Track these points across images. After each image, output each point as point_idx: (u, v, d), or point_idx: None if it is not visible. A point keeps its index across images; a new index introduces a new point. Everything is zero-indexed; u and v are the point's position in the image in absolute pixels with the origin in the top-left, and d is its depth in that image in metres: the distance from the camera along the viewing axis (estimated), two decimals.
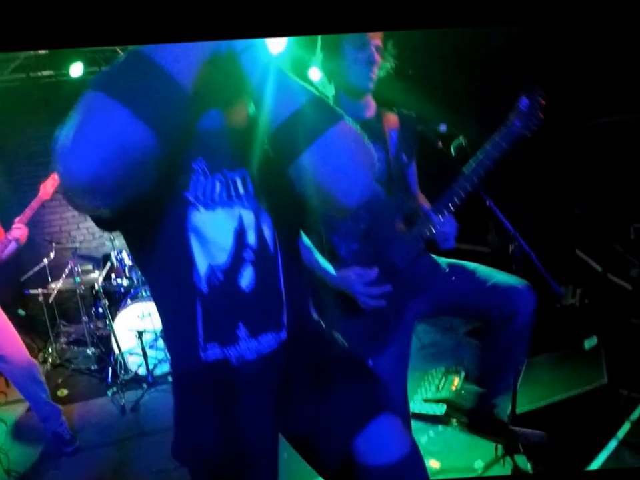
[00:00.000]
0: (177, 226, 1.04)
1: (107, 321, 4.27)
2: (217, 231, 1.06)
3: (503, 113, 1.72)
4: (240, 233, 1.08)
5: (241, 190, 1.09)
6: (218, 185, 1.06)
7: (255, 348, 1.11)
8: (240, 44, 0.92)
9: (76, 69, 4.82)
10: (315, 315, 1.28)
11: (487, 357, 1.94)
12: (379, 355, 1.79)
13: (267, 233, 1.11)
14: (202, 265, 1.06)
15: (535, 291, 1.78)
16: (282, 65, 0.96)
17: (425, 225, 1.80)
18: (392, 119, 1.91)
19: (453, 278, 1.86)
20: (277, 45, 1.05)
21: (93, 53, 4.98)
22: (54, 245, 4.69)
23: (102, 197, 0.83)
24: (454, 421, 2.81)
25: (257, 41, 0.92)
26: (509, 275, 1.86)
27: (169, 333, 1.18)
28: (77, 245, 4.90)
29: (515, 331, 1.78)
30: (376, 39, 1.76)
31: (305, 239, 1.82)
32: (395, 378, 1.85)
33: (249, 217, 1.09)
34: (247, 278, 1.09)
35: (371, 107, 1.88)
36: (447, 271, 1.88)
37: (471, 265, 1.92)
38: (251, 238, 1.09)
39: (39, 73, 5.21)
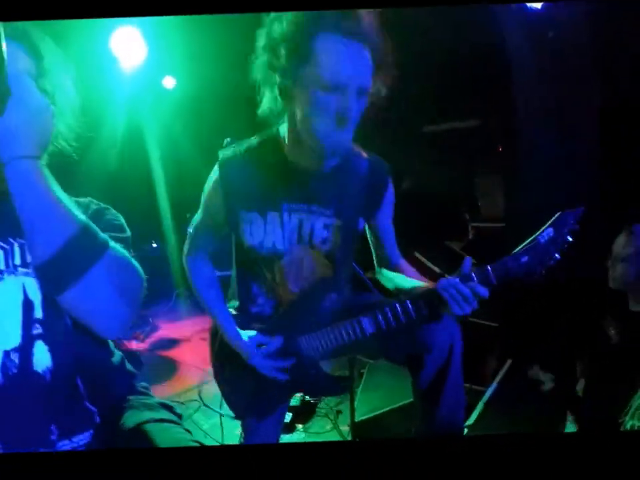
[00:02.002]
0: None
1: None
2: (5, 304, 1.02)
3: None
4: (27, 304, 1.04)
5: (28, 257, 1.05)
6: (1, 255, 1.04)
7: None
8: (4, 157, 0.89)
9: None
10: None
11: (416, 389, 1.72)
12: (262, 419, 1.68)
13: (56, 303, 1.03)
14: None
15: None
16: (55, 186, 0.93)
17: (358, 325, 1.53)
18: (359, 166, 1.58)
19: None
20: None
21: None
22: None
23: None
24: None
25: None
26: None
27: None
28: None
29: (436, 365, 1.59)
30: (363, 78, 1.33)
31: (213, 278, 1.69)
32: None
33: (33, 286, 1.04)
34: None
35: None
36: None
37: None
38: (38, 309, 1.04)
39: None
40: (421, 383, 1.61)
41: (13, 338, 1.01)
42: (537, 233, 1.42)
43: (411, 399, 1.73)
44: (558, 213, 1.41)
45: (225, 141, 1.63)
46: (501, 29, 2.84)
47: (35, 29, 1.10)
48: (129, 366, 1.25)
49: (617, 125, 2.67)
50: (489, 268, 1.40)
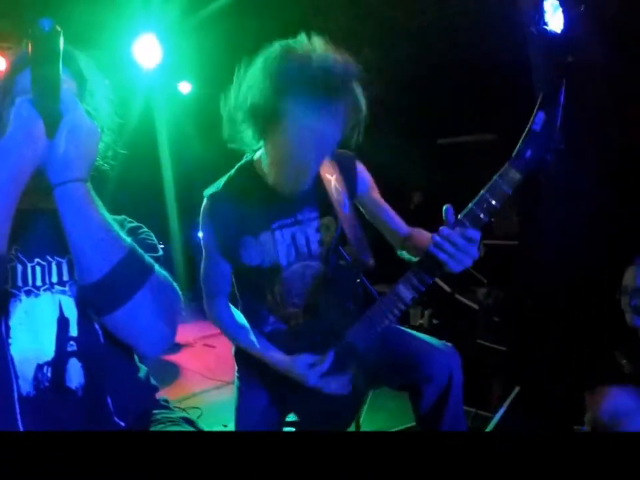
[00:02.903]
0: None
1: None
2: (41, 320, 1.03)
3: None
4: (62, 321, 1.05)
5: (65, 275, 1.07)
6: (38, 270, 1.06)
7: None
8: (55, 180, 0.92)
9: None
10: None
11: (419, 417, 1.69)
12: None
13: (91, 322, 1.07)
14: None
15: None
16: (102, 208, 0.95)
17: (396, 296, 1.48)
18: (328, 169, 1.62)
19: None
20: None
21: None
22: None
23: None
24: None
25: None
26: (427, 337, 1.69)
27: None
28: None
29: (435, 395, 1.57)
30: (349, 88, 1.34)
31: (238, 316, 1.67)
32: None
33: (69, 304, 1.06)
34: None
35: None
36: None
37: (395, 328, 1.70)
38: (73, 326, 1.05)
39: None
40: (421, 411, 1.60)
41: (47, 353, 1.03)
42: (529, 124, 1.32)
43: (414, 423, 1.72)
44: (540, 95, 1.32)
45: (246, 156, 1.63)
46: (521, 48, 2.82)
47: (78, 52, 1.14)
48: (152, 380, 1.27)
49: (637, 152, 2.64)
50: (499, 178, 1.33)
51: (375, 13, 3.59)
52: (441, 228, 1.36)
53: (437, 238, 1.34)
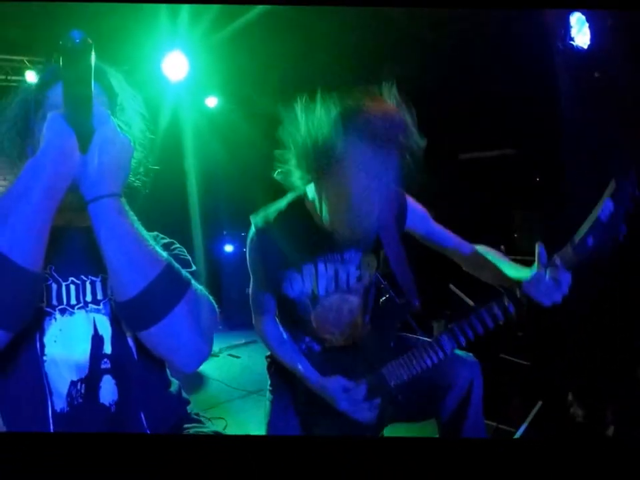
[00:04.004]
0: (31, 344, 1.00)
1: None
2: (75, 338, 1.03)
3: None
4: (96, 340, 1.05)
5: (99, 294, 1.07)
6: (73, 289, 1.05)
7: None
8: (88, 195, 0.91)
9: None
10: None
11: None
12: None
13: (125, 339, 1.08)
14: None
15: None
16: (137, 223, 0.94)
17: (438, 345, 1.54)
18: None
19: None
20: None
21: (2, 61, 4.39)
22: None
23: None
24: None
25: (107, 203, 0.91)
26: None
27: None
28: None
29: (455, 403, 1.60)
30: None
31: (282, 333, 1.70)
32: None
33: (104, 322, 1.06)
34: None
35: None
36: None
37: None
38: (107, 344, 1.05)
39: None
40: (442, 419, 1.63)
41: (81, 370, 1.03)
42: (596, 211, 1.31)
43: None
44: (611, 183, 1.30)
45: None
46: (546, 65, 2.81)
47: (108, 66, 1.12)
48: (184, 394, 1.26)
49: None
50: (558, 260, 1.37)
51: (397, 27, 3.61)
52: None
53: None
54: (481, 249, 1.71)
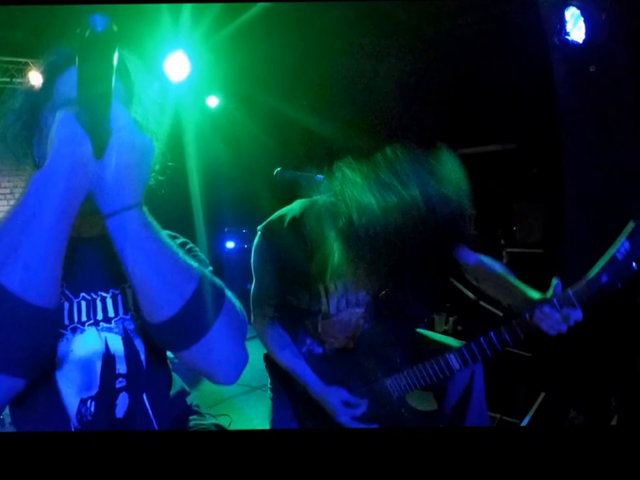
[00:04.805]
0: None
1: None
2: (85, 355, 0.98)
3: None
4: (108, 358, 1.00)
5: (111, 312, 1.01)
6: (84, 305, 0.99)
7: None
8: (106, 209, 0.78)
9: None
10: None
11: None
12: None
13: (138, 356, 1.03)
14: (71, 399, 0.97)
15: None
16: (162, 232, 0.83)
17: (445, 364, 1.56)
18: None
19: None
20: None
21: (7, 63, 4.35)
22: None
23: None
24: None
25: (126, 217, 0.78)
26: (448, 338, 1.78)
27: None
28: None
29: (457, 393, 1.65)
30: None
31: (283, 336, 1.68)
32: None
33: (116, 341, 1.01)
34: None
35: None
36: None
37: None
38: (120, 363, 1.01)
39: None
40: (445, 410, 1.66)
41: (91, 387, 0.98)
42: (612, 249, 1.35)
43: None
44: (630, 224, 1.34)
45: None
46: (542, 58, 2.84)
47: (123, 49, 0.91)
48: (186, 387, 1.23)
49: None
50: (571, 293, 1.40)
51: (399, 25, 3.64)
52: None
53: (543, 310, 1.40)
54: (489, 261, 1.70)
